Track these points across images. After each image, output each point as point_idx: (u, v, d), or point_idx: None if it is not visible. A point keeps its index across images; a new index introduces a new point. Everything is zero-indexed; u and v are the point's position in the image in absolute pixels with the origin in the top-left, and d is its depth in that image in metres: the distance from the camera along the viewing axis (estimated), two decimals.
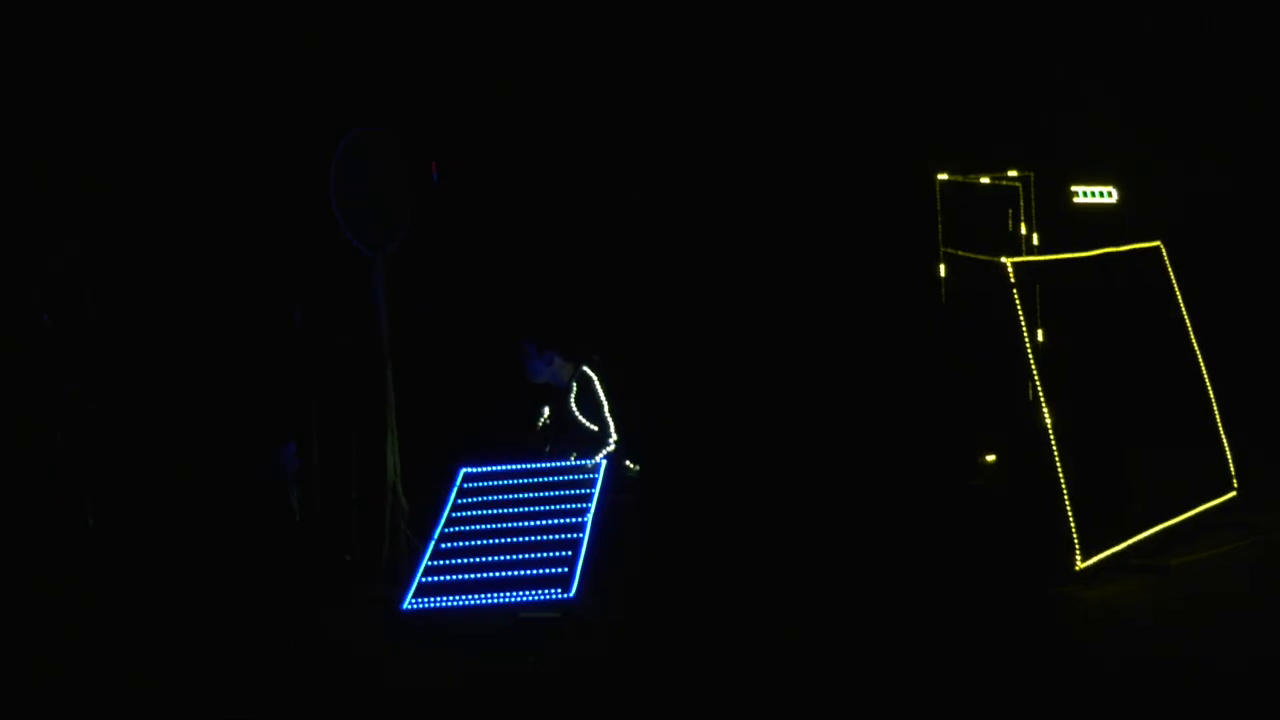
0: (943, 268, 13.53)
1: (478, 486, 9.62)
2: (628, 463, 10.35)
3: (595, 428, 10.27)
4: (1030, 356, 10.29)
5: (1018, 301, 10.38)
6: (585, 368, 10.57)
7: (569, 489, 9.45)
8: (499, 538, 9.11)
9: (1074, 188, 13.60)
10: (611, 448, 10.26)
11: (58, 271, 9.77)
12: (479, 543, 9.10)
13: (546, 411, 10.71)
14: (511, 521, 9.24)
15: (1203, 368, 11.71)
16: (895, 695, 8.04)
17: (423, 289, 11.71)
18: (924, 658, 8.58)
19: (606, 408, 10.39)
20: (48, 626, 9.55)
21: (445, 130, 12.64)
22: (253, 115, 11.52)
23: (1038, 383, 10.22)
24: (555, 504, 9.32)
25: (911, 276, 13.70)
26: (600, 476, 9.56)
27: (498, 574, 8.81)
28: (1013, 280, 10.45)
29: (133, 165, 11.12)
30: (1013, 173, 13.78)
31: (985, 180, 13.77)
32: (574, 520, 9.12)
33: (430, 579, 8.87)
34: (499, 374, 12.77)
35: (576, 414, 10.41)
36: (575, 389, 10.45)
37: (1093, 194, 13.55)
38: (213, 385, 11.27)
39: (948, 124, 14.40)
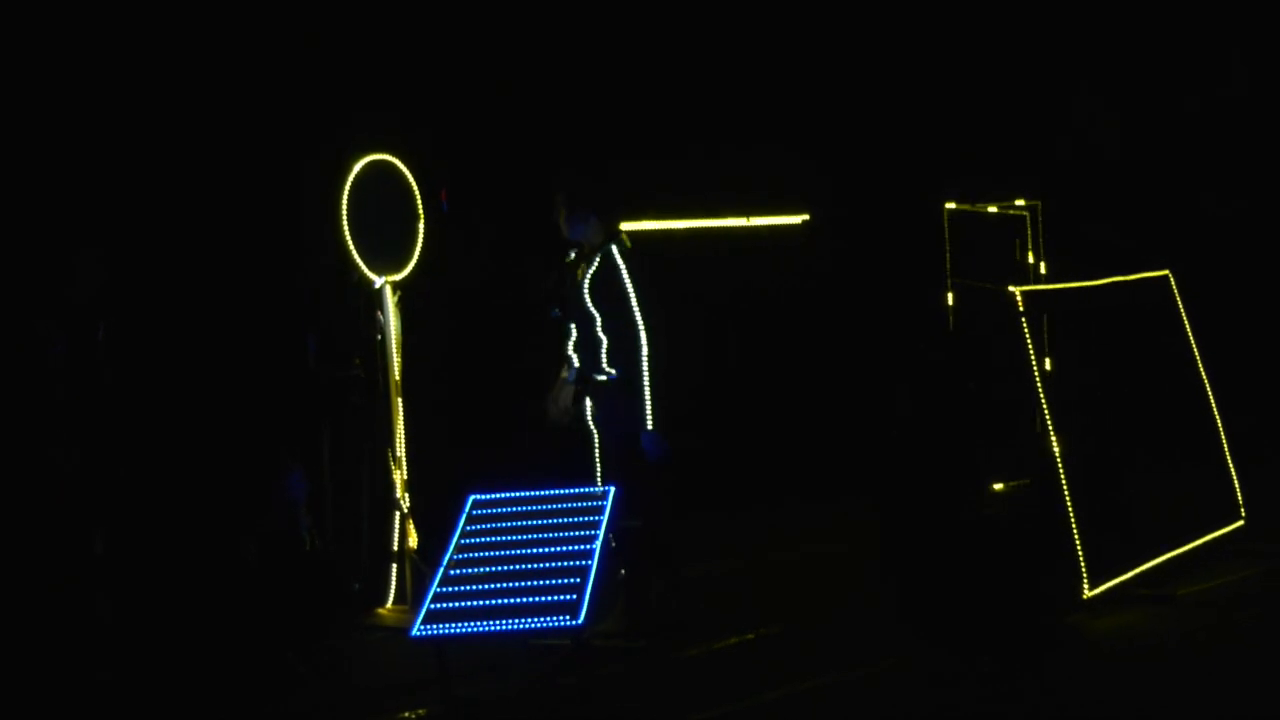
0: (950, 296, 13.58)
1: (487, 514, 9.62)
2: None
3: (608, 335, 9.49)
4: (1038, 385, 10.30)
5: (1026, 330, 10.41)
6: (613, 246, 9.67)
7: (578, 515, 9.45)
8: (508, 564, 9.09)
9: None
10: (644, 350, 9.46)
11: (75, 301, 9.79)
12: (488, 569, 9.09)
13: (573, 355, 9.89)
14: (521, 549, 9.23)
15: (1210, 396, 11.72)
16: None
17: (434, 316, 11.74)
18: (930, 685, 8.58)
19: (634, 298, 9.50)
20: (50, 650, 9.55)
21: (456, 158, 12.68)
22: (266, 140, 11.57)
23: (1045, 411, 10.24)
24: (564, 530, 9.32)
25: (919, 305, 13.74)
26: (609, 503, 9.56)
27: (506, 600, 8.81)
28: (1021, 309, 10.48)
29: (142, 190, 11.17)
30: (1020, 201, 13.84)
31: (993, 209, 13.83)
32: (583, 547, 9.13)
33: (439, 605, 8.87)
34: (509, 402, 12.82)
35: (589, 303, 9.59)
36: (596, 264, 9.60)
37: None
38: (222, 412, 11.29)
39: (955, 153, 14.46)
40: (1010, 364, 10.50)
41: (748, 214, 14.10)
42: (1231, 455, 11.67)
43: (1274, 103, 15.68)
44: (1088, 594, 9.96)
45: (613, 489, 9.61)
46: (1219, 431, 11.68)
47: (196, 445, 11.05)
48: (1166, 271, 11.88)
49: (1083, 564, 9.96)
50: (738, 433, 14.00)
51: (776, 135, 14.29)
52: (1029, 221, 13.81)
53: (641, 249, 13.03)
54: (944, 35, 15.07)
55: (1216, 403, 11.74)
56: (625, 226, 13.60)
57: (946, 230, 13.68)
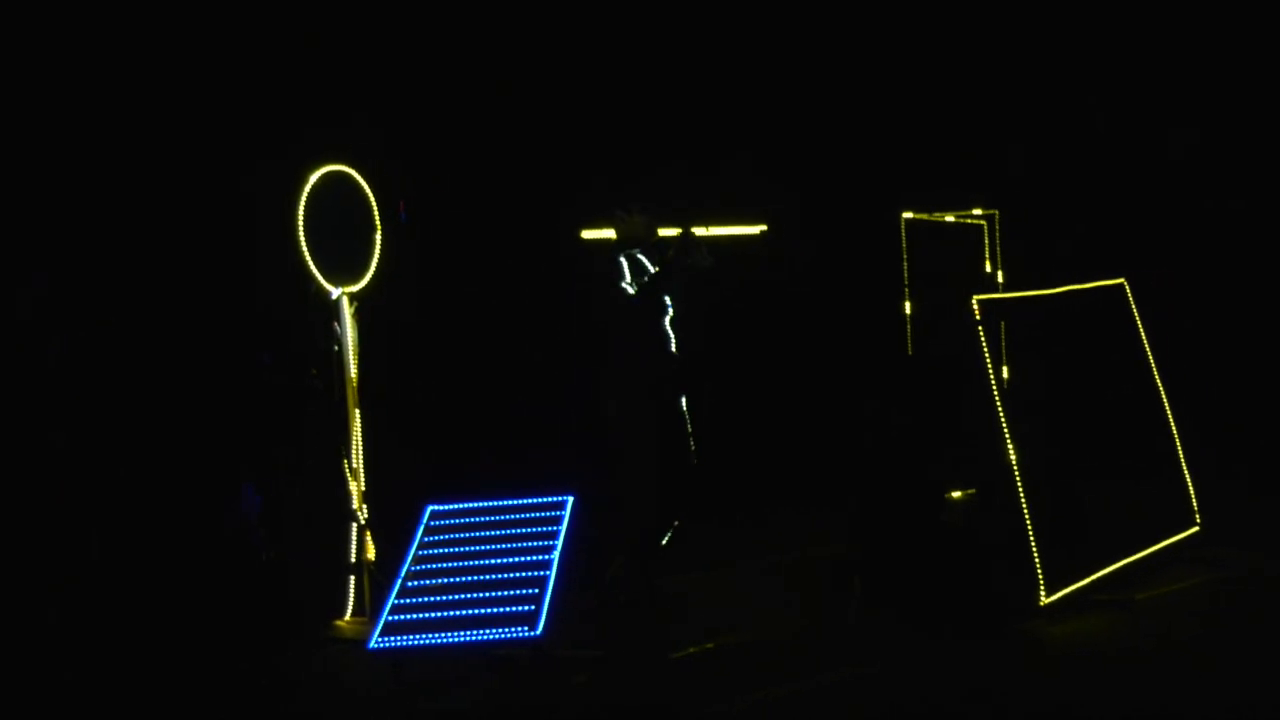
0: (908, 305, 13.62)
1: (445, 524, 9.61)
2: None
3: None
4: (995, 393, 10.34)
5: (983, 339, 10.45)
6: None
7: (536, 525, 9.44)
8: (466, 575, 9.09)
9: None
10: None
11: (21, 318, 9.76)
12: (446, 580, 9.08)
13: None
14: (479, 559, 9.23)
15: (1165, 402, 11.80)
16: None
17: (391, 327, 11.71)
18: (892, 692, 8.59)
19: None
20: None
21: (415, 169, 12.66)
22: (221, 151, 11.53)
23: (1002, 419, 10.28)
24: (523, 540, 9.32)
25: (877, 314, 13.79)
26: (568, 513, 9.55)
27: (465, 612, 8.79)
28: (979, 318, 10.51)
29: (94, 204, 11.11)
30: (978, 211, 13.90)
31: (950, 219, 13.89)
32: (541, 557, 9.12)
33: (397, 617, 8.85)
34: (467, 411, 12.80)
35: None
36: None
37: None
38: (175, 426, 11.23)
39: (913, 164, 14.52)
40: (968, 372, 10.53)
41: (707, 224, 14.11)
42: (1186, 462, 11.74)
43: (1225, 113, 15.82)
44: (1045, 600, 10.00)
45: (571, 498, 9.61)
46: (1174, 438, 11.75)
47: (150, 460, 11.00)
48: (1122, 280, 11.95)
49: (1039, 571, 10.01)
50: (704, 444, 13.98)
51: (736, 146, 14.32)
52: (986, 231, 13.88)
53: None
54: (900, 49, 15.14)
55: (1171, 409, 11.81)
56: (587, 235, 13.66)
57: (904, 240, 13.74)
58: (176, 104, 11.46)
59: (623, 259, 10.98)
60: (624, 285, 10.87)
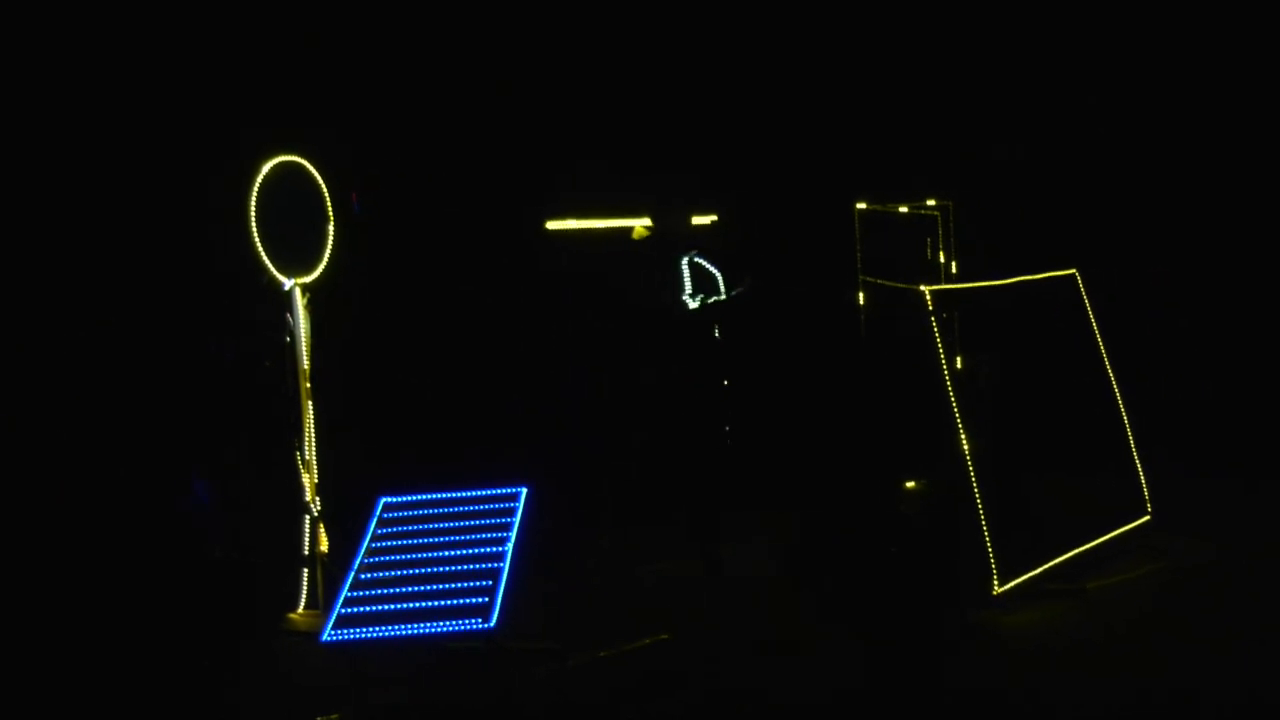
0: (862, 296, 13.63)
1: (398, 516, 9.56)
2: None
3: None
4: (948, 384, 10.38)
5: (936, 329, 10.48)
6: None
7: (489, 518, 9.41)
8: (419, 567, 9.04)
9: None
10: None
11: None
12: (399, 573, 9.03)
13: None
14: (432, 551, 9.18)
15: (1117, 393, 11.87)
16: None
17: (344, 318, 11.65)
18: (839, 682, 8.62)
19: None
20: None
21: (369, 159, 12.59)
22: (172, 142, 11.43)
23: (955, 410, 10.32)
24: (475, 533, 9.27)
25: (830, 305, 13.80)
26: (521, 505, 9.53)
27: (418, 604, 8.76)
28: (931, 308, 10.55)
29: (44, 196, 11.01)
30: (931, 202, 13.92)
31: (904, 209, 13.91)
32: (495, 549, 9.09)
33: (350, 610, 8.80)
34: (420, 403, 12.74)
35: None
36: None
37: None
38: (127, 420, 11.14)
39: (867, 155, 14.53)
40: (920, 362, 10.57)
41: (663, 213, 14.10)
42: (1137, 451, 11.82)
43: (1176, 109, 15.92)
44: (998, 590, 10.06)
45: (525, 490, 9.59)
46: (1125, 428, 11.82)
47: (99, 454, 10.91)
48: (1074, 270, 12.00)
49: (992, 561, 10.06)
50: (660, 439, 13.96)
51: (692, 137, 14.31)
52: (940, 221, 13.91)
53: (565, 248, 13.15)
54: (856, 42, 15.15)
55: (1123, 399, 11.88)
56: (551, 225, 13.66)
57: (858, 230, 13.75)
58: (126, 95, 11.35)
59: (685, 265, 11.01)
60: (685, 298, 10.93)
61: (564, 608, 10.36)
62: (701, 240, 11.28)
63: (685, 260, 11.04)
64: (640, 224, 11.64)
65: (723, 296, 11.04)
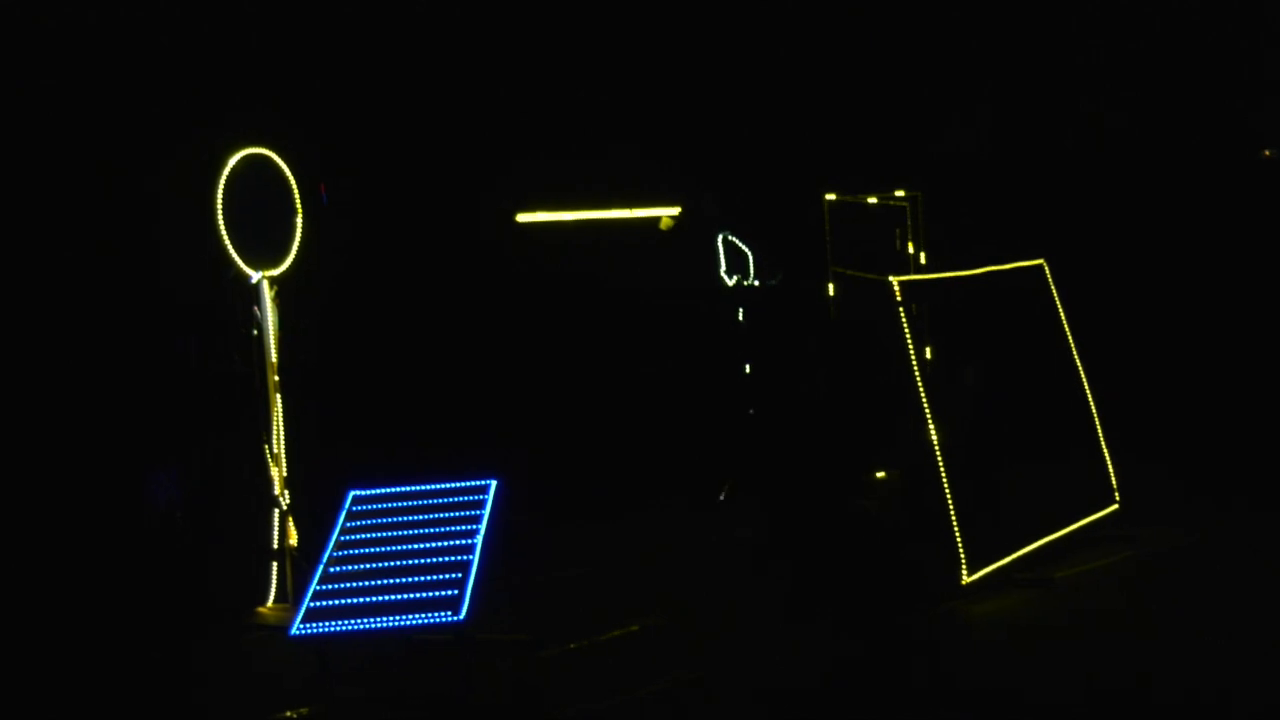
0: (831, 287, 13.66)
1: (367, 509, 9.54)
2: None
3: None
4: (917, 374, 10.40)
5: (904, 320, 10.50)
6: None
7: (459, 510, 9.39)
8: (388, 560, 9.02)
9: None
10: None
11: None
12: (368, 566, 9.01)
13: None
14: (401, 544, 9.16)
15: (1085, 382, 11.91)
16: (771, 710, 8.09)
17: (313, 311, 11.62)
18: (808, 670, 8.64)
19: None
20: None
21: (337, 152, 12.55)
22: (139, 135, 11.38)
23: (924, 400, 10.34)
24: (445, 525, 9.26)
25: (801, 295, 13.82)
26: (491, 498, 9.52)
27: (387, 597, 8.74)
28: (899, 299, 10.57)
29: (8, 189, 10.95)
30: (900, 193, 13.95)
31: (873, 200, 13.94)
32: (464, 542, 9.08)
33: (319, 603, 8.78)
34: (391, 395, 12.72)
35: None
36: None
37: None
38: (94, 414, 11.10)
39: (837, 146, 14.55)
40: (889, 353, 10.59)
41: (630, 206, 14.11)
42: (1106, 440, 11.87)
43: (1142, 104, 16.00)
44: (966, 580, 10.09)
45: (494, 483, 9.57)
46: (1094, 417, 11.87)
47: (67, 447, 10.86)
48: (1041, 260, 12.04)
49: (961, 550, 10.10)
50: (623, 430, 13.98)
51: (659, 129, 14.31)
52: (909, 212, 13.94)
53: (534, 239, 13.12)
54: (825, 34, 15.17)
55: (1092, 388, 11.92)
56: (522, 218, 13.64)
57: (827, 221, 13.77)
58: (92, 86, 11.29)
59: (720, 243, 11.10)
60: (722, 274, 11.00)
61: (535, 599, 10.35)
62: (733, 220, 11.35)
63: (720, 238, 11.12)
64: (666, 214, 11.72)
65: (755, 283, 11.11)
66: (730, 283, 11.07)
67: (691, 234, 13.73)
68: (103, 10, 11.41)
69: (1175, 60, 15.84)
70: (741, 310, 11.79)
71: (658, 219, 13.18)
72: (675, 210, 13.99)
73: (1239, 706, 7.55)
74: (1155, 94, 15.91)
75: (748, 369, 12.80)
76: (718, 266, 11.08)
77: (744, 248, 11.18)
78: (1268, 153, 16.01)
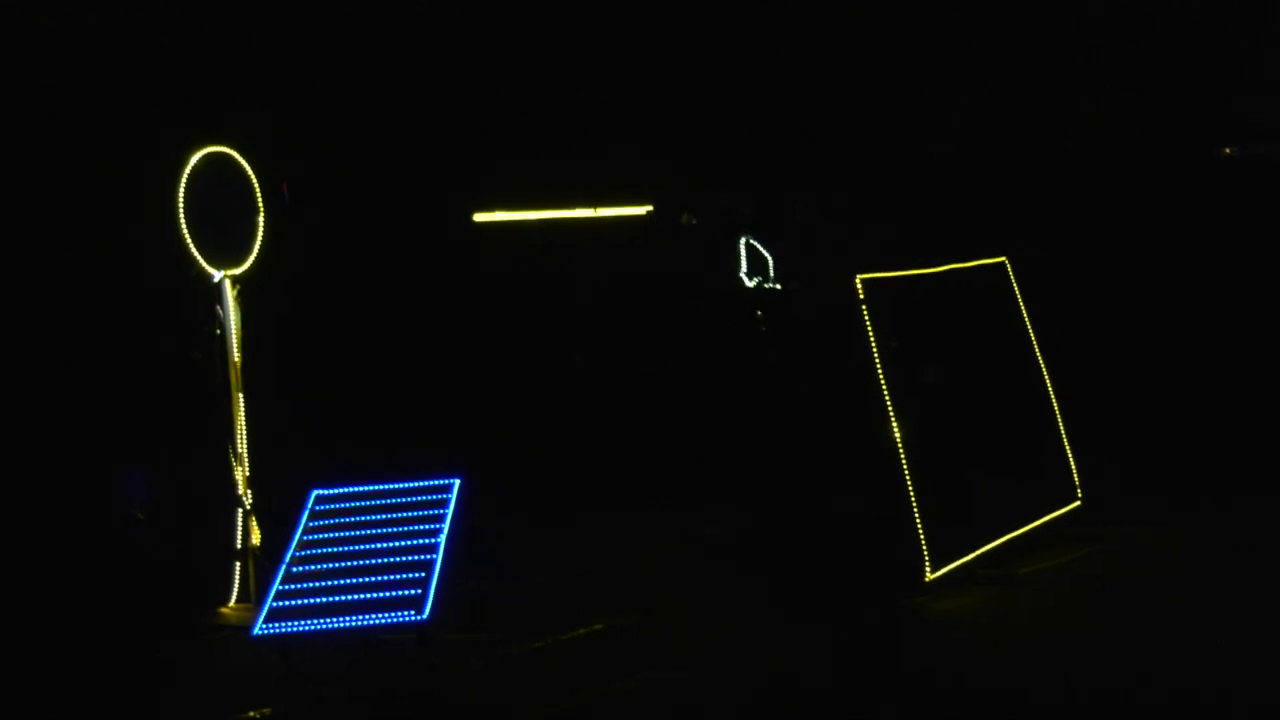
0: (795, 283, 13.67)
1: (330, 509, 9.50)
2: None
3: None
4: (879, 373, 10.43)
5: (867, 318, 10.52)
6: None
7: (422, 509, 9.37)
8: (352, 560, 8.99)
9: None
10: None
11: None
12: (331, 565, 8.98)
13: None
14: (364, 543, 9.14)
15: (1047, 379, 11.96)
16: (736, 707, 8.10)
17: (276, 309, 11.58)
18: (773, 669, 8.65)
19: None
20: None
21: (300, 151, 12.51)
22: (99, 132, 11.32)
23: (887, 398, 10.36)
24: (408, 524, 9.24)
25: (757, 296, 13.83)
26: (454, 496, 9.50)
27: (351, 597, 8.71)
28: (862, 297, 10.59)
29: None
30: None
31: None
32: (428, 541, 9.06)
33: (281, 603, 8.75)
34: (354, 394, 12.68)
35: None
36: None
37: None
38: (58, 413, 11.03)
39: (794, 145, 14.58)
40: (852, 351, 10.61)
41: (595, 205, 14.11)
42: (1068, 437, 11.92)
43: (1107, 104, 16.09)
44: (930, 577, 10.12)
45: (458, 481, 9.56)
46: (1056, 414, 11.92)
47: (32, 448, 10.80)
48: (1003, 258, 12.08)
49: (925, 548, 10.13)
50: (594, 431, 13.96)
51: (626, 130, 14.31)
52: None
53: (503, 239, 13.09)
54: (783, 35, 15.19)
55: (1054, 386, 11.97)
56: (479, 218, 13.61)
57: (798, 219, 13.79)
58: (52, 83, 11.22)
59: (742, 245, 11.07)
60: (741, 275, 10.97)
61: (499, 598, 10.34)
62: (754, 222, 11.33)
63: (742, 240, 11.12)
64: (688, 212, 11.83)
65: (778, 286, 11.12)
66: (751, 284, 11.09)
67: (674, 234, 13.77)
68: (69, 11, 11.35)
69: (1140, 59, 15.93)
70: (760, 312, 11.80)
71: (632, 218, 13.21)
72: (646, 209, 14.01)
73: (1198, 701, 7.58)
74: (1122, 94, 15.99)
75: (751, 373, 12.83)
76: (737, 268, 11.10)
77: (764, 251, 11.20)
78: (1229, 150, 16.11)
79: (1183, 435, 14.12)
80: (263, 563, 10.28)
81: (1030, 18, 15.83)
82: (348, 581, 8.79)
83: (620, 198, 13.96)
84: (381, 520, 9.28)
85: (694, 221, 11.20)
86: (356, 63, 13.21)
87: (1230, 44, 15.70)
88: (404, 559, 8.92)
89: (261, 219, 10.76)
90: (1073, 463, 11.90)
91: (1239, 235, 15.63)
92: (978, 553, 10.58)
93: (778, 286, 11.27)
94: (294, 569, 8.99)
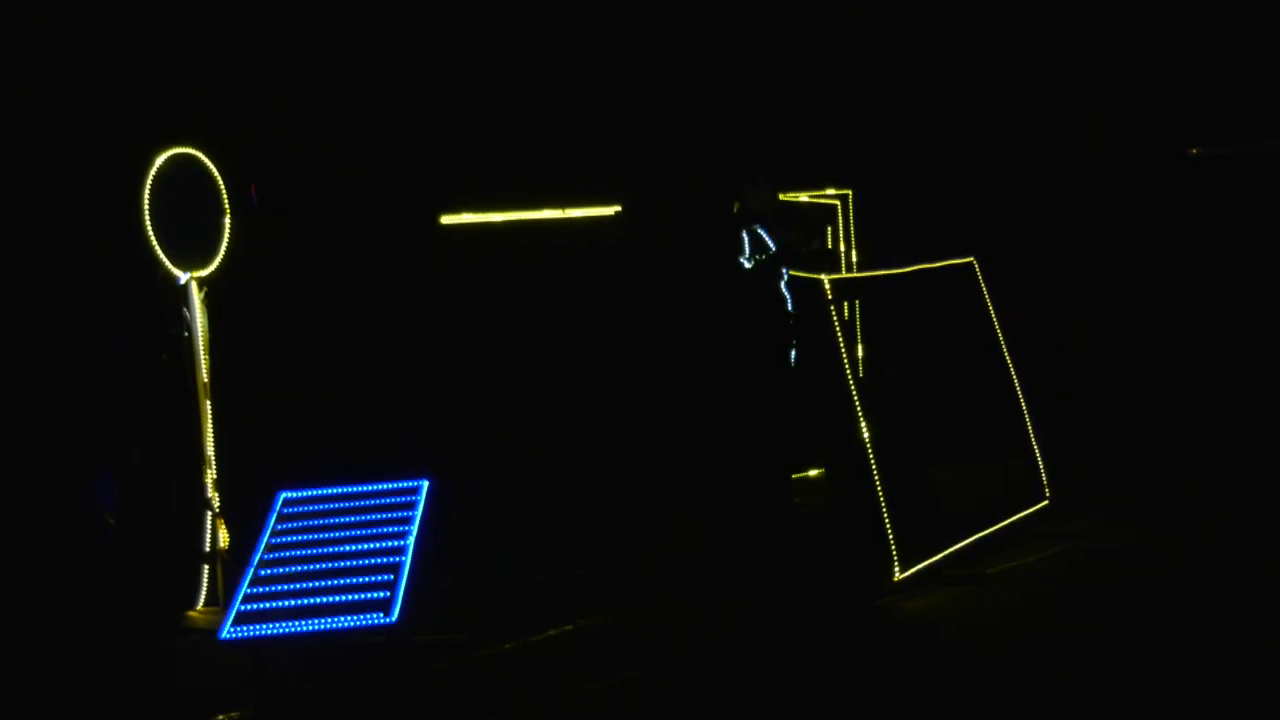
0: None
1: (298, 511, 9.50)
2: None
3: None
4: (847, 372, 10.46)
5: (834, 318, 10.56)
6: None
7: (390, 511, 9.37)
8: (320, 562, 9.00)
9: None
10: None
11: None
12: (299, 568, 8.98)
13: None
14: (332, 545, 9.14)
15: (1015, 379, 12.01)
16: (710, 708, 8.12)
17: (243, 311, 11.54)
18: (741, 669, 8.67)
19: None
20: None
21: (267, 152, 12.47)
22: (66, 133, 11.25)
23: (855, 398, 10.39)
24: (377, 526, 9.24)
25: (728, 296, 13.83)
26: (422, 498, 9.50)
27: (319, 599, 8.71)
28: (829, 297, 10.62)
29: None
30: (831, 191, 14.02)
31: (804, 198, 13.99)
32: (396, 543, 9.06)
33: (249, 606, 8.74)
34: (324, 396, 12.65)
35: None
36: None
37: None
38: (24, 414, 10.97)
39: (767, 143, 14.59)
40: (820, 351, 10.64)
41: (564, 206, 14.11)
42: (1036, 437, 11.97)
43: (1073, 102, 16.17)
44: (899, 577, 10.15)
45: (426, 483, 9.55)
46: (1024, 414, 11.98)
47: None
48: (971, 259, 12.13)
49: (893, 548, 10.15)
50: (565, 434, 13.93)
51: (593, 130, 14.31)
52: (840, 210, 14.02)
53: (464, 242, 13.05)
54: (754, 32, 15.21)
55: (1023, 385, 12.03)
56: (446, 220, 13.57)
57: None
58: (17, 85, 11.16)
59: (745, 234, 11.05)
60: (742, 260, 10.95)
61: (469, 600, 10.33)
62: (762, 214, 11.30)
63: (745, 230, 11.13)
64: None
65: (774, 250, 11.09)
66: (749, 265, 11.06)
67: (651, 231, 13.79)
68: (32, 11, 11.29)
69: (1110, 59, 16.01)
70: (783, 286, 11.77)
71: (602, 218, 13.22)
72: (614, 210, 14.01)
73: (1165, 701, 7.63)
74: (1091, 93, 16.07)
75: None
76: (740, 253, 11.08)
77: (769, 240, 11.18)
78: (1195, 151, 16.21)
79: (1154, 433, 14.20)
80: (230, 566, 10.25)
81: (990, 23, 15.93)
82: (315, 584, 8.79)
83: (589, 198, 13.96)
84: (349, 523, 9.29)
85: (738, 210, 11.28)
86: (324, 64, 13.16)
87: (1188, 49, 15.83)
88: (372, 561, 8.92)
89: (228, 221, 10.73)
90: (1041, 462, 11.95)
91: (1204, 234, 15.73)
92: (945, 553, 10.62)
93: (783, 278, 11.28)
94: (261, 572, 8.98)
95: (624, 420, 13.83)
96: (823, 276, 10.64)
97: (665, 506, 12.72)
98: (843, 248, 13.85)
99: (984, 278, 12.06)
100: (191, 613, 10.48)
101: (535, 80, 14.15)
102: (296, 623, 8.59)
